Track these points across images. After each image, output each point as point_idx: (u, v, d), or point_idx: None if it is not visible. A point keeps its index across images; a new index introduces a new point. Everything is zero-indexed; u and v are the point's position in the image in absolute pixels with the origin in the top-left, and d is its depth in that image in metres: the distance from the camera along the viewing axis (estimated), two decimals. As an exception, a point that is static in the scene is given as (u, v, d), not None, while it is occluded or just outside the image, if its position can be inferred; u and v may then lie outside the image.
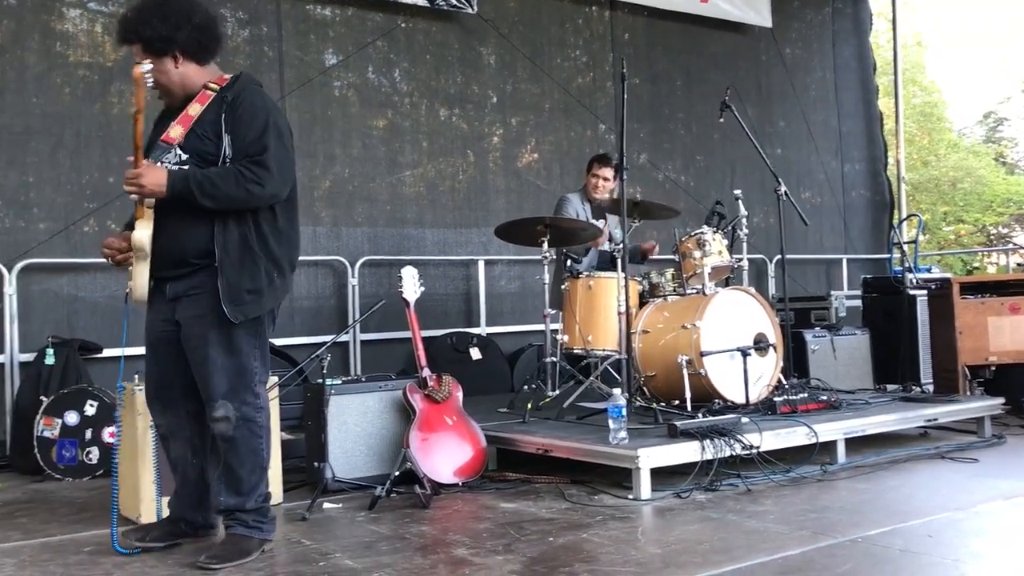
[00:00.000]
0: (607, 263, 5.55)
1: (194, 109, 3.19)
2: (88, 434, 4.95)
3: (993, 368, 6.06)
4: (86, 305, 5.81)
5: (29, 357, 5.43)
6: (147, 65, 3.11)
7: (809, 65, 9.65)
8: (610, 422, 4.05)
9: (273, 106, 3.25)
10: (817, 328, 6.24)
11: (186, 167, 3.13)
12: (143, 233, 3.07)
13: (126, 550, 3.27)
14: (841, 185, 9.71)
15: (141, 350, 5.42)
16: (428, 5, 7.13)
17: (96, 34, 6.09)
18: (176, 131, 3.16)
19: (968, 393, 5.96)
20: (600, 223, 5.80)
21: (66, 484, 4.81)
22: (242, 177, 3.06)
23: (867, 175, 10.01)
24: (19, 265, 5.55)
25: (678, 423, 4.16)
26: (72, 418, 4.97)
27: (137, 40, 3.16)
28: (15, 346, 5.48)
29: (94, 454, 4.94)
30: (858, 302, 6.99)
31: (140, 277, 3.10)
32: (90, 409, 4.99)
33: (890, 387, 5.92)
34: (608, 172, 6.01)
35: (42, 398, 5.05)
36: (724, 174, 8.74)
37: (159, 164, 3.13)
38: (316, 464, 4.27)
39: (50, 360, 5.28)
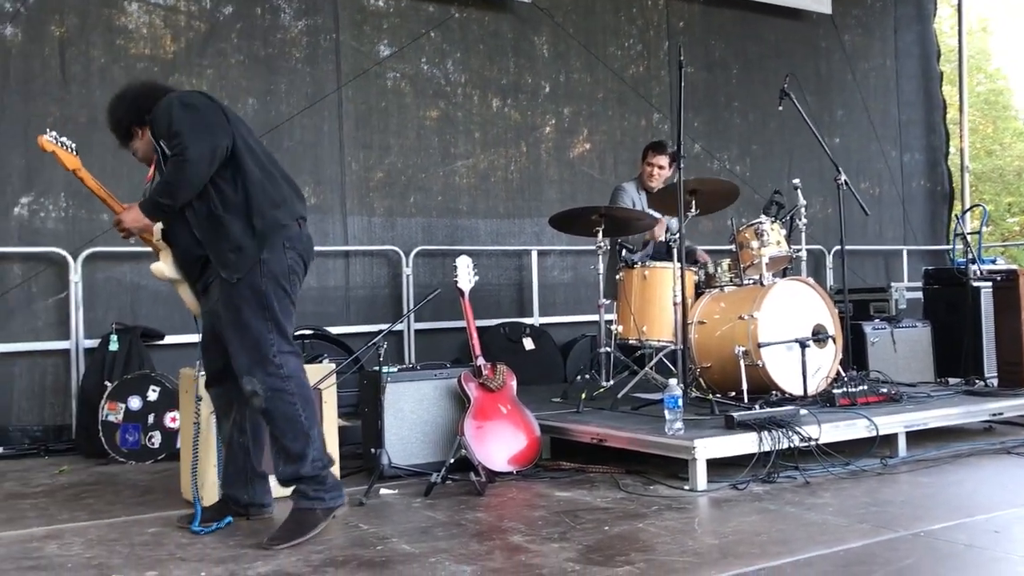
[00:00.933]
0: (663, 253, 5.51)
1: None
2: (150, 419, 5.07)
3: (1061, 362, 5.88)
4: (148, 293, 5.94)
5: (94, 343, 5.58)
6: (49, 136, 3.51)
7: (869, 52, 9.46)
8: (666, 412, 4.03)
9: (177, 94, 3.39)
10: (877, 320, 6.13)
11: None
12: (161, 264, 3.47)
13: (202, 528, 3.37)
14: (900, 175, 9.52)
15: (198, 337, 5.65)
16: (483, -6, 7.14)
17: (156, 27, 6.21)
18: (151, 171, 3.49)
19: (1034, 387, 5.80)
20: (656, 213, 5.76)
21: (129, 467, 4.93)
22: (172, 160, 3.24)
23: (927, 165, 9.80)
24: (84, 253, 5.69)
25: (735, 414, 4.13)
26: (135, 403, 5.09)
27: (114, 129, 3.53)
28: (80, 333, 5.63)
29: (156, 438, 5.05)
30: (918, 294, 6.85)
31: (186, 295, 3.53)
32: (152, 394, 5.11)
33: (952, 380, 5.80)
34: (663, 160, 5.96)
35: (106, 383, 5.18)
36: (781, 163, 8.63)
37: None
38: (373, 450, 4.32)
39: (114, 346, 5.41)
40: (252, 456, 3.54)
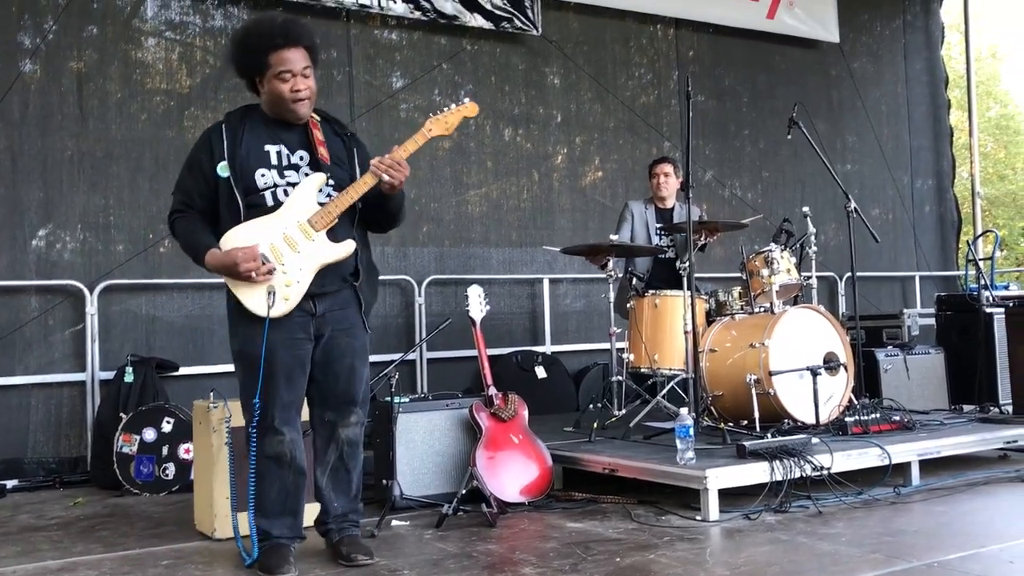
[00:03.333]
0: (670, 276, 5.52)
1: (315, 132, 3.40)
2: (165, 450, 5.09)
3: (1077, 388, 5.84)
4: (163, 325, 5.99)
5: (109, 375, 5.61)
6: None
7: (880, 79, 9.49)
8: (677, 442, 4.03)
9: None
10: (889, 347, 6.10)
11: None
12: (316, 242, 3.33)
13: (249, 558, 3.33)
14: (911, 201, 9.50)
15: (219, 368, 5.70)
16: (493, 28, 7.21)
17: (172, 62, 6.29)
18: (322, 152, 3.36)
19: (1050, 414, 5.76)
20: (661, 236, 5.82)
21: (144, 499, 4.95)
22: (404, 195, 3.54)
23: (936, 191, 9.79)
24: (100, 286, 5.75)
25: (747, 443, 4.11)
26: (150, 435, 5.12)
27: (309, 44, 3.32)
28: (96, 364, 5.67)
29: (170, 470, 5.07)
30: (931, 320, 6.82)
31: (259, 290, 3.22)
32: (167, 426, 5.13)
33: (966, 407, 5.76)
34: (667, 167, 5.95)
35: (121, 415, 5.22)
36: (793, 191, 8.63)
37: (331, 183, 3.36)
38: (384, 481, 4.32)
39: (129, 378, 5.45)
40: (323, 486, 3.48)
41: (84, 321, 5.71)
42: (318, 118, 3.44)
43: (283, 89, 3.25)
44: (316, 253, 3.26)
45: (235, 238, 3.20)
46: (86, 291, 5.71)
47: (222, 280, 3.30)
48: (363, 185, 3.30)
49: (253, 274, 3.16)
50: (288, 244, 3.22)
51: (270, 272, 3.19)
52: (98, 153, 5.93)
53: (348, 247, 3.31)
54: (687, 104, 4.92)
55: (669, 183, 5.94)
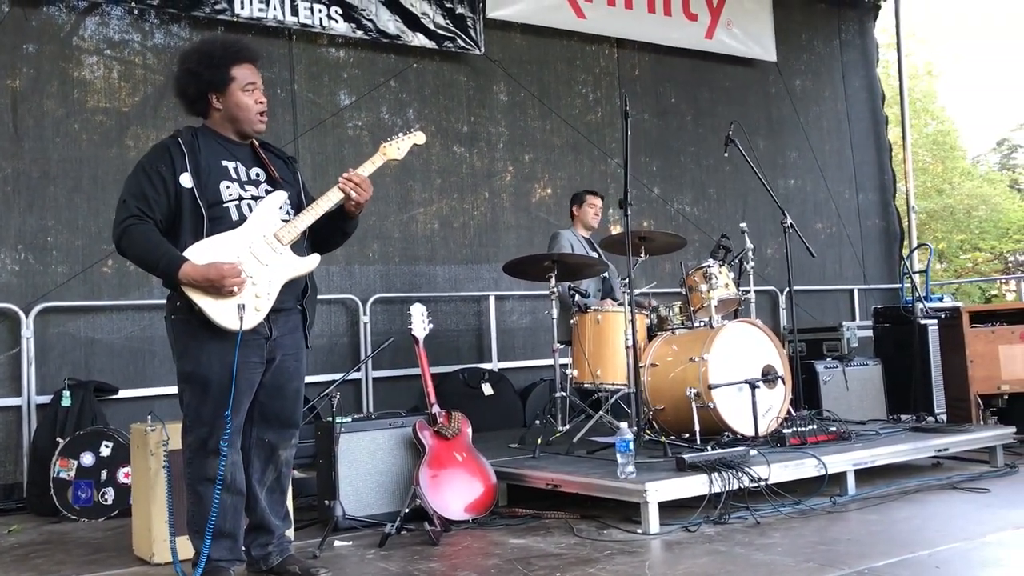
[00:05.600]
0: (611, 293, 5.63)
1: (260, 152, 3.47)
2: (104, 475, 5.01)
3: (1006, 397, 6.02)
4: (102, 347, 5.89)
5: (46, 399, 5.51)
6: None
7: (820, 96, 9.70)
8: (618, 456, 4.07)
9: None
10: (829, 359, 6.23)
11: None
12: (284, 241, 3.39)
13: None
14: (857, 215, 9.69)
15: (160, 390, 5.63)
16: (436, 47, 7.25)
17: (112, 80, 6.23)
18: (273, 171, 3.44)
19: (981, 422, 5.93)
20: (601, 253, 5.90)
21: (82, 525, 4.86)
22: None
23: (879, 205, 10.01)
24: (37, 308, 5.65)
25: (686, 456, 4.18)
26: (88, 459, 5.04)
27: (258, 63, 3.41)
28: (32, 388, 5.56)
29: (110, 495, 5.00)
30: (870, 332, 6.98)
31: (229, 303, 3.18)
32: (105, 450, 5.05)
33: (904, 417, 5.90)
34: (600, 201, 6.33)
35: (58, 439, 5.12)
36: (736, 207, 8.77)
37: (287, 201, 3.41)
38: (327, 502, 4.31)
39: (67, 402, 5.35)
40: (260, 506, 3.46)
41: (20, 344, 5.60)
42: (257, 142, 3.46)
43: (249, 102, 3.33)
44: (284, 266, 3.30)
45: (204, 252, 3.16)
46: (22, 314, 5.60)
47: (163, 301, 3.29)
48: (328, 201, 3.35)
49: (235, 290, 3.15)
50: (256, 258, 3.24)
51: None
52: (34, 173, 5.84)
53: (314, 260, 3.37)
54: (624, 124, 4.99)
55: (598, 216, 6.30)
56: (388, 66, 7.21)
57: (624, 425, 4.19)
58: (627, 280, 4.95)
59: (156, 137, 6.08)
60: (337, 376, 5.87)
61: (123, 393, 5.72)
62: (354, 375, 6.45)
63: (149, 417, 3.96)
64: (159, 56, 6.39)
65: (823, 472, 4.34)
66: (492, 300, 7.30)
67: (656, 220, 8.24)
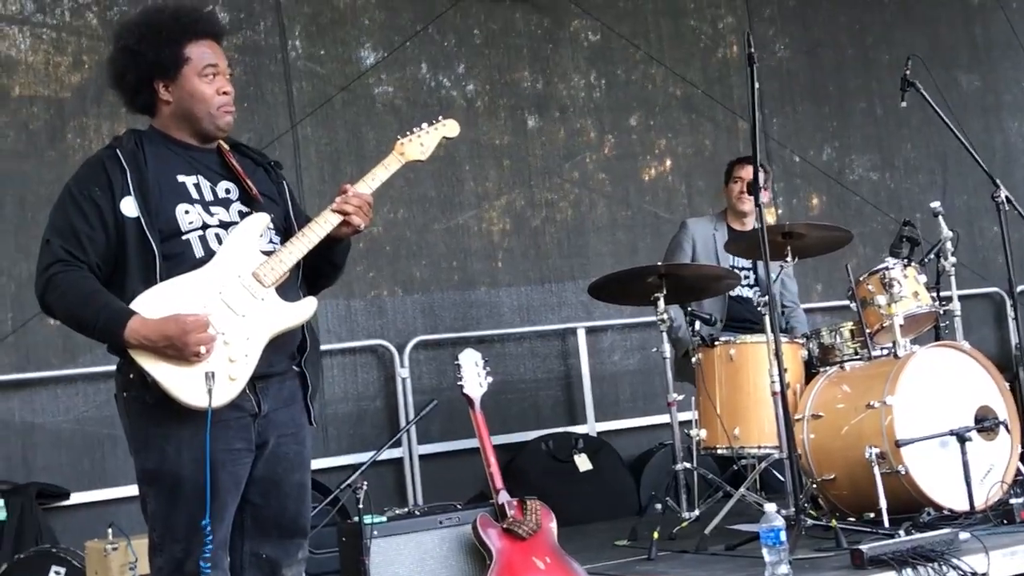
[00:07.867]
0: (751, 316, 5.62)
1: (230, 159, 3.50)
2: (55, 612, 5.20)
3: None
4: (46, 435, 6.06)
5: (-29, 512, 5.73)
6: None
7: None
8: (764, 552, 4.08)
9: None
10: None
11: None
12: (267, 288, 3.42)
13: None
14: None
15: (124, 491, 5.80)
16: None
17: (44, 55, 6.41)
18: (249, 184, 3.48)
19: None
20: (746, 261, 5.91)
21: None
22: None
23: None
24: (-49, 388, 5.91)
25: (865, 547, 4.16)
26: (34, 591, 5.23)
27: (222, 41, 3.48)
28: (-50, 500, 5.78)
29: (65, 639, 5.18)
30: None
31: (194, 371, 3.16)
32: (55, 578, 5.24)
33: None
34: (750, 171, 6.03)
35: (-8, 568, 5.33)
36: (931, 175, 8.65)
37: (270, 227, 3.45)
38: (359, 637, 4.41)
39: (1, 515, 5.54)
40: None
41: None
42: (227, 145, 3.50)
43: (208, 91, 3.34)
44: (268, 316, 3.26)
45: (158, 302, 3.16)
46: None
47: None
48: (323, 226, 3.34)
49: (203, 350, 3.12)
50: (229, 306, 3.23)
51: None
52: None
53: (309, 305, 3.36)
54: (750, 71, 5.01)
55: (743, 196, 6.07)
56: (422, 9, 7.29)
57: (771, 507, 4.20)
58: (766, 297, 4.96)
59: (112, 130, 6.20)
60: (367, 456, 5.96)
61: (75, 498, 5.89)
62: (391, 453, 6.53)
63: (110, 531, 4.13)
64: (107, 19, 6.54)
65: (1072, 561, 4.29)
66: (582, 335, 7.36)
67: (811, 201, 8.17)
